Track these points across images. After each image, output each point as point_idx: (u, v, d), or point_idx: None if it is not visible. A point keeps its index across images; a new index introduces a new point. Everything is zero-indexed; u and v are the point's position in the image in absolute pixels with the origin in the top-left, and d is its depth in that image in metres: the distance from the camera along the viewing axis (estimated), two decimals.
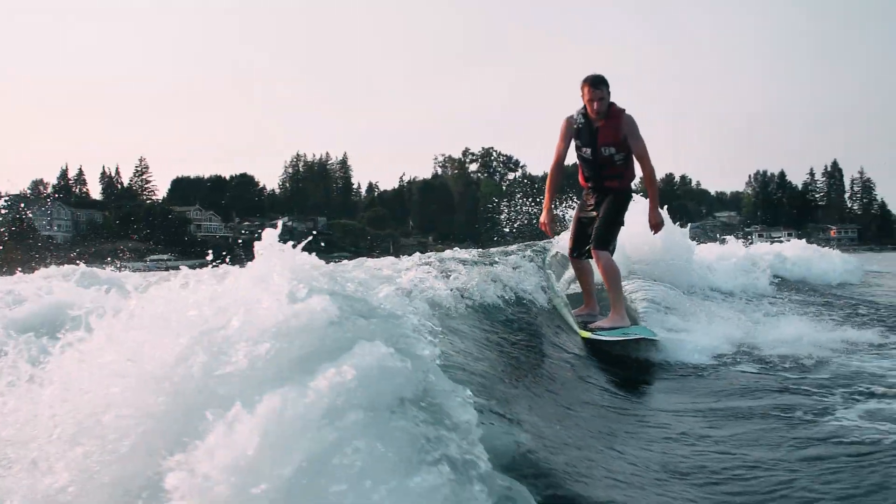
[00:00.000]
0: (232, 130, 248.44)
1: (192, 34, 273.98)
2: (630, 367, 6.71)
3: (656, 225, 7.46)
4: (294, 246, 2.76)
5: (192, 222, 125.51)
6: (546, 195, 7.57)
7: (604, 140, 7.16)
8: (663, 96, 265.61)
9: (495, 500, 2.11)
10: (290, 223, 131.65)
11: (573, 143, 7.39)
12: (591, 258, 7.53)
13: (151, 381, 2.30)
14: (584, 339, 7.08)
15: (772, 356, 6.99)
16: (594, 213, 7.46)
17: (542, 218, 7.52)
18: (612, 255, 7.37)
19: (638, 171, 7.50)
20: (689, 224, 15.68)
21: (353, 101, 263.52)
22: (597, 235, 7.31)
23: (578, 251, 7.71)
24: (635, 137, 7.13)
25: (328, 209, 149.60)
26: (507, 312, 6.34)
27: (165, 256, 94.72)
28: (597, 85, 7.00)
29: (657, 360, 6.94)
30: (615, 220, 7.38)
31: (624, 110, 7.15)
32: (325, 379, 2.08)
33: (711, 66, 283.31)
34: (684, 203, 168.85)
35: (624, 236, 11.26)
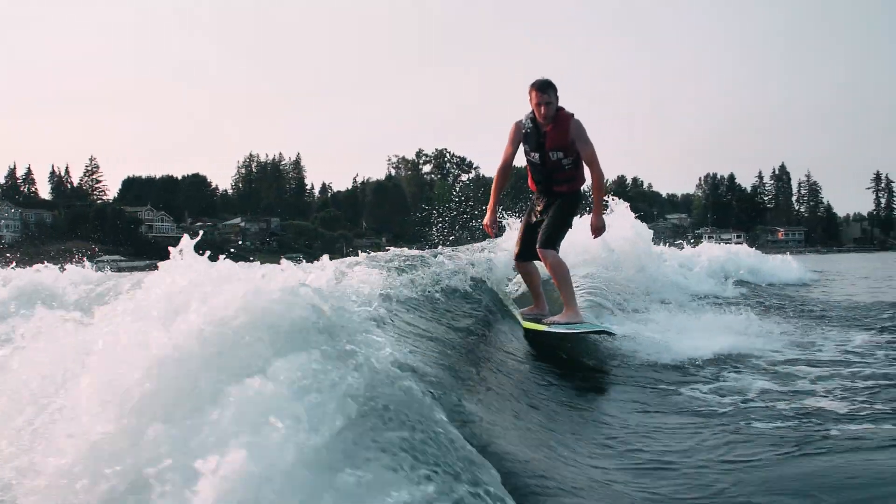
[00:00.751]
0: (184, 130, 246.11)
1: (143, 31, 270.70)
2: (550, 350, 6.91)
3: (597, 229, 7.31)
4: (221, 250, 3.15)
5: (144, 223, 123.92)
6: (491, 198, 7.55)
7: (552, 145, 7.05)
8: (617, 98, 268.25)
9: (369, 378, 2.56)
10: (242, 224, 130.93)
11: (523, 148, 7.31)
12: (538, 260, 7.44)
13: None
14: (525, 329, 7.17)
15: (677, 342, 7.45)
16: (543, 218, 7.34)
17: (486, 220, 7.50)
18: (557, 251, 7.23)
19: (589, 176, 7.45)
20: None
21: (307, 101, 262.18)
22: (544, 235, 7.15)
23: (525, 255, 7.57)
24: (583, 142, 7.01)
25: (281, 210, 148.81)
26: (444, 299, 6.69)
27: (117, 257, 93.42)
28: (544, 89, 6.90)
29: (584, 348, 7.29)
30: (563, 223, 7.25)
31: (572, 115, 7.06)
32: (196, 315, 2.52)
33: (665, 70, 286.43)
34: (636, 205, 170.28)
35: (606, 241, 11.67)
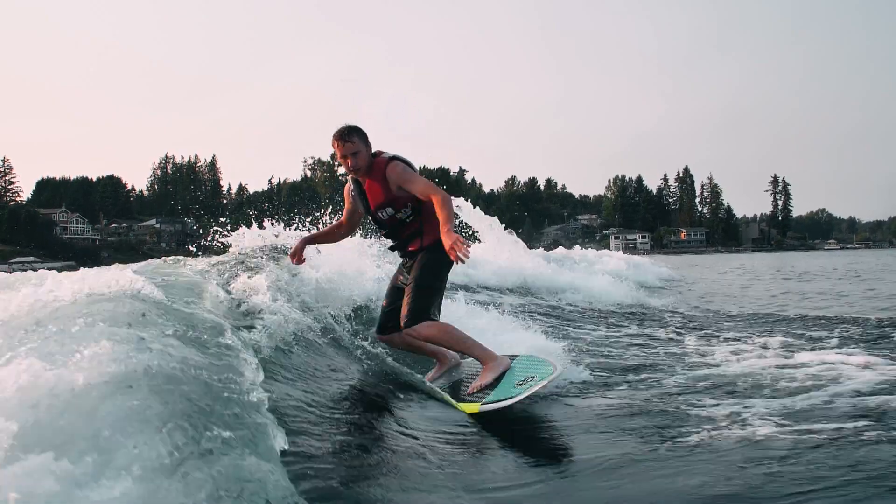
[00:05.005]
0: (99, 132, 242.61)
1: (51, 30, 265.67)
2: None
3: (450, 248, 4.89)
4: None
5: (59, 224, 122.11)
6: (315, 234, 6.54)
7: (374, 202, 5.72)
8: (534, 102, 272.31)
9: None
10: (158, 225, 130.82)
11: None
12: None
13: None
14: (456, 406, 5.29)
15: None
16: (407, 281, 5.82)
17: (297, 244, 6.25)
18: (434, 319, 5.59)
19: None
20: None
21: (222, 102, 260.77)
22: (408, 310, 5.52)
23: (385, 328, 6.02)
24: (410, 183, 5.51)
25: (197, 210, 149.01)
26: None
27: (30, 259, 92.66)
28: (345, 137, 5.57)
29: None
30: (430, 286, 5.64)
31: (390, 159, 5.64)
32: None
33: (582, 77, 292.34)
34: (547, 206, 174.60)
35: None
